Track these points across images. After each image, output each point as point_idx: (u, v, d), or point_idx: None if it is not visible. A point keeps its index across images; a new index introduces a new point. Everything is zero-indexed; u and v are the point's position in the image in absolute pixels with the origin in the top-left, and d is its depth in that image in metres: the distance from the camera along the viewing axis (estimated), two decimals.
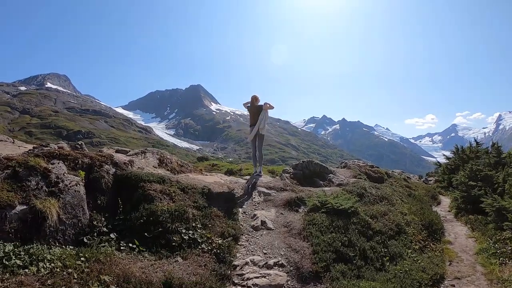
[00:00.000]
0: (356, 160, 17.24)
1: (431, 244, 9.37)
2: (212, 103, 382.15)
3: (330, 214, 7.74)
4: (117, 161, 7.58)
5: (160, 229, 6.12)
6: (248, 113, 10.86)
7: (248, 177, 11.40)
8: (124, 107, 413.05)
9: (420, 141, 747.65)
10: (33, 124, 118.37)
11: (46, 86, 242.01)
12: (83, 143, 9.99)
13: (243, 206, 8.42)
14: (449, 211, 13.29)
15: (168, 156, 9.79)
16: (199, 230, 6.38)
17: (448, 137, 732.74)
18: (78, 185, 6.43)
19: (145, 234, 6.05)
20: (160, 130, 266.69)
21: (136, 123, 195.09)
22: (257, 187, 9.40)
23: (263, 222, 7.40)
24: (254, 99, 10.67)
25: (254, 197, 8.86)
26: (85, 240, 5.86)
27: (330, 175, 11.74)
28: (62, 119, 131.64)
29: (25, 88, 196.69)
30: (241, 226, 7.35)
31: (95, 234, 6.08)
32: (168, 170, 9.19)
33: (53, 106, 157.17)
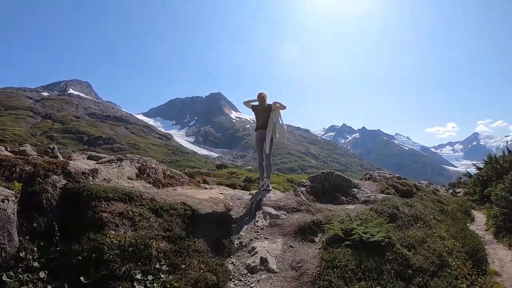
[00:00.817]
0: (382, 171, 15.07)
1: (479, 279, 7.30)
2: (232, 111, 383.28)
3: (357, 249, 5.51)
4: (71, 170, 5.58)
5: (103, 272, 4.10)
6: (254, 115, 9.05)
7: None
8: (145, 114, 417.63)
9: (441, 150, 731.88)
10: (54, 129, 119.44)
11: (68, 92, 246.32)
12: (55, 146, 8.20)
13: (241, 233, 6.26)
14: (486, 230, 11.35)
15: (153, 165, 7.74)
16: (163, 276, 4.23)
17: (469, 146, 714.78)
18: (6, 201, 4.61)
19: (81, 278, 4.06)
20: (180, 137, 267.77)
21: (156, 130, 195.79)
22: (262, 207, 7.26)
23: (264, 260, 5.25)
24: (261, 98, 8.74)
25: (257, 220, 6.70)
26: (4, 277, 4.05)
27: (354, 189, 9.68)
28: (83, 124, 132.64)
29: (48, 94, 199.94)
30: (231, 265, 5.21)
31: (21, 270, 4.23)
32: (149, 182, 7.19)
33: (75, 112, 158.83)
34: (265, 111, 8.64)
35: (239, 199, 8.39)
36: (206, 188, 8.95)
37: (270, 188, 8.76)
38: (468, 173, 21.29)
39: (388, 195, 9.89)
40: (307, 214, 7.22)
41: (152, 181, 7.22)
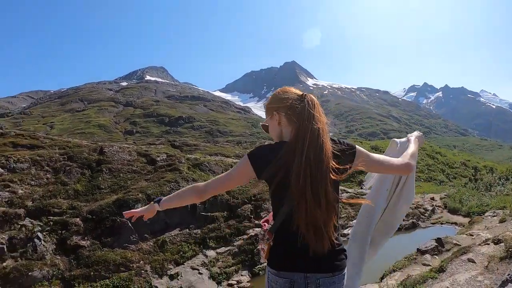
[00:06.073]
0: None
1: None
2: (308, 78, 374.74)
3: None
4: None
5: None
6: None
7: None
8: (222, 90, 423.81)
9: None
10: (136, 115, 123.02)
11: (146, 79, 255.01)
12: None
13: None
14: None
15: None
16: None
17: None
18: None
19: None
20: (258, 109, 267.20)
21: (234, 104, 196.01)
22: None
23: None
24: None
25: None
26: None
27: None
28: (163, 107, 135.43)
29: (126, 83, 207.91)
30: None
31: None
32: None
33: (154, 97, 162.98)
34: None
35: None
36: None
37: None
38: None
39: None
40: None
41: None
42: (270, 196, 1.94)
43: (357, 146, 1.95)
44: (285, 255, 1.83)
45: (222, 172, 14.20)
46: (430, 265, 7.01)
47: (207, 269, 9.91)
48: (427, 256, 7.78)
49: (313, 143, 1.78)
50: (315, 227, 1.75)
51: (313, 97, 1.94)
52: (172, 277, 9.30)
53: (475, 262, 5.73)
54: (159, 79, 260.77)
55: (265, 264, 1.90)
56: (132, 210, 2.20)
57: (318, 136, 1.80)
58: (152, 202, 2.14)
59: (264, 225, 1.96)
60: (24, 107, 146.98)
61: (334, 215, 1.82)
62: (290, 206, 1.78)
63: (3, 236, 8.61)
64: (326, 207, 1.77)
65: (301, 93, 1.97)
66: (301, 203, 1.74)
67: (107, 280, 8.58)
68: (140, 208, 2.17)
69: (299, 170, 1.73)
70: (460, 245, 8.28)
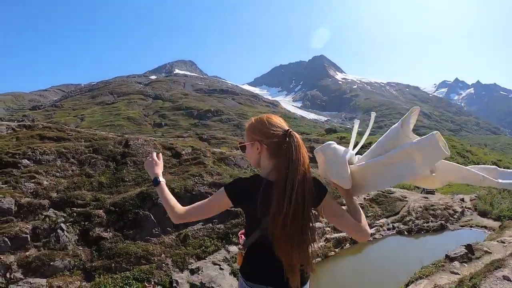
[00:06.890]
0: None
1: None
2: (337, 73, 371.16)
3: None
4: None
5: None
6: None
7: None
8: (250, 84, 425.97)
9: None
10: (165, 108, 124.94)
11: (174, 72, 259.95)
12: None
13: None
14: None
15: None
16: None
17: None
18: None
19: None
20: (287, 103, 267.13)
21: (263, 98, 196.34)
22: None
23: None
24: None
25: None
26: None
27: None
28: (192, 100, 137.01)
29: (156, 77, 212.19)
30: None
31: None
32: None
33: (183, 90, 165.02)
34: None
35: None
36: None
37: None
38: None
39: None
40: None
41: None
42: (245, 216, 2.06)
43: (327, 193, 2.01)
44: (254, 267, 1.99)
45: (247, 167, 13.82)
46: (459, 274, 6.66)
47: (228, 265, 9.78)
48: (456, 263, 7.42)
49: (299, 188, 1.84)
50: (286, 251, 1.84)
51: (297, 136, 1.99)
52: (193, 272, 9.21)
53: (511, 281, 5.35)
54: (188, 73, 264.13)
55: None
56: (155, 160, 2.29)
57: (305, 183, 1.86)
58: (156, 179, 2.17)
59: (241, 237, 2.09)
60: (55, 100, 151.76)
61: (307, 245, 1.88)
62: (263, 233, 1.90)
63: (27, 226, 8.74)
64: (299, 240, 1.86)
65: (287, 128, 2.01)
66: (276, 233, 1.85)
67: (127, 272, 8.56)
68: (156, 168, 2.26)
69: (285, 215, 1.79)
70: (491, 253, 7.95)
